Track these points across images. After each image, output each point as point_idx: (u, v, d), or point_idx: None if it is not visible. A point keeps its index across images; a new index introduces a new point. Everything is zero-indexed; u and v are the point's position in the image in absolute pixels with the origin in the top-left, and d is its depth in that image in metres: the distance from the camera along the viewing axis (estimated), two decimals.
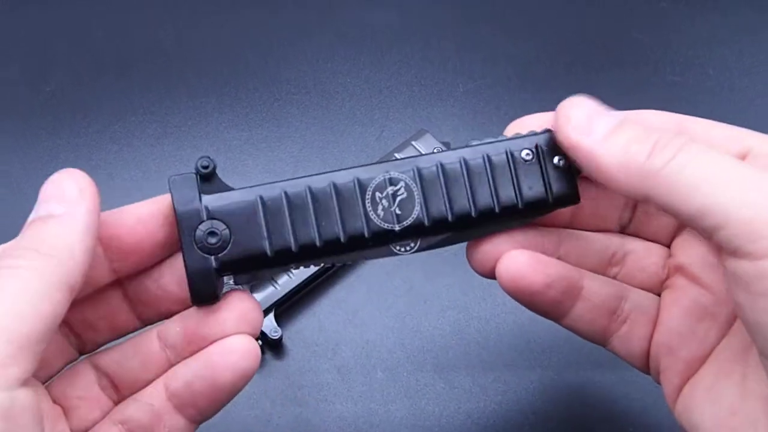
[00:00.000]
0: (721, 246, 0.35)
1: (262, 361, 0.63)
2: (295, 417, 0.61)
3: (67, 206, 0.37)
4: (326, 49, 0.80)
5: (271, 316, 0.62)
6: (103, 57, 0.79)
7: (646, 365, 0.46)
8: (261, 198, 0.40)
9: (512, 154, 0.42)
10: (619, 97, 0.76)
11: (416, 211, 0.41)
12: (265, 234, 0.40)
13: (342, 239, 0.41)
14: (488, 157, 0.42)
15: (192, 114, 0.75)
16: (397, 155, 0.69)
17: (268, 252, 0.40)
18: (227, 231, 0.39)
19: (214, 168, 0.41)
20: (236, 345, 0.41)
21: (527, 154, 0.42)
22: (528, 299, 0.43)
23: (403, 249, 0.42)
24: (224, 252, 0.39)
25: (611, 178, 0.38)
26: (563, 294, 0.43)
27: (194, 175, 0.40)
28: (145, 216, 0.41)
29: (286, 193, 0.41)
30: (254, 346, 0.41)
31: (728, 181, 0.35)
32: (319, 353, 0.64)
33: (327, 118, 0.75)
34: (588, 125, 0.39)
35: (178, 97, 0.77)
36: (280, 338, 0.62)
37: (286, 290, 0.63)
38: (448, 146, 0.69)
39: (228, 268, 0.40)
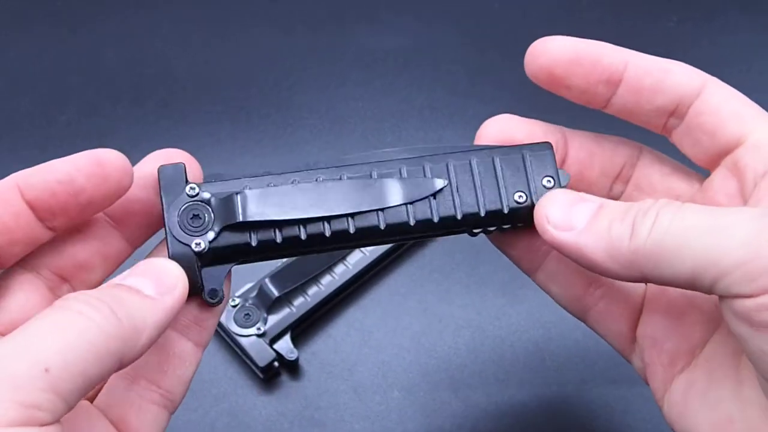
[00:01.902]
0: (721, 295, 0.35)
1: (279, 383, 0.64)
2: None
3: (158, 293, 0.36)
4: (338, 74, 0.81)
5: (288, 337, 0.63)
6: (117, 85, 0.80)
7: (627, 352, 0.46)
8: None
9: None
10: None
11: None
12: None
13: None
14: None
15: (206, 140, 0.76)
16: None
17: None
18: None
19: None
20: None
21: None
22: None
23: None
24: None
25: (604, 269, 0.38)
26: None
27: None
28: (65, 177, 0.38)
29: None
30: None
31: (708, 234, 0.35)
32: (336, 374, 0.64)
33: (339, 142, 0.76)
34: (567, 220, 0.39)
35: (192, 123, 0.77)
36: (297, 360, 0.63)
37: (302, 312, 0.64)
38: None
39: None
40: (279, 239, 0.40)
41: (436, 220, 0.41)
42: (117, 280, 0.37)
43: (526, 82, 0.80)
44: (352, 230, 0.41)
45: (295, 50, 0.82)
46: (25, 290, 0.40)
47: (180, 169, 0.40)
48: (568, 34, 0.83)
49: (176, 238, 0.39)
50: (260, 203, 0.40)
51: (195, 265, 0.39)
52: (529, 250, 0.45)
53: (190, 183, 0.40)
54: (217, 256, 0.40)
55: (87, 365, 0.33)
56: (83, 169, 0.38)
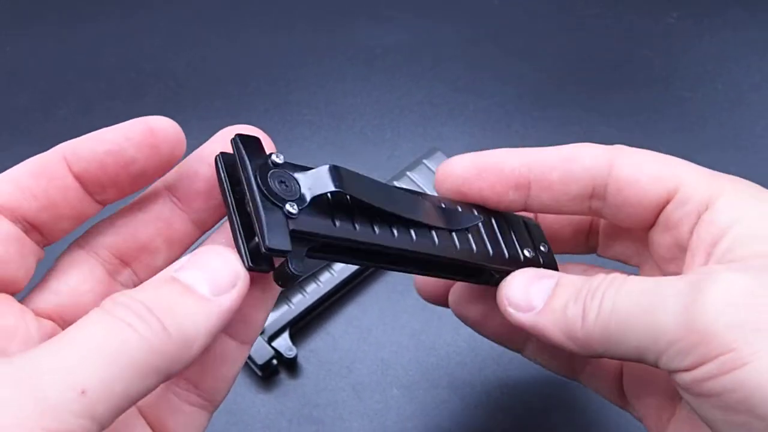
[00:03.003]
0: (665, 369, 0.36)
1: (278, 380, 0.63)
2: None
3: (214, 292, 0.33)
4: (336, 70, 0.80)
5: (286, 335, 0.63)
6: (115, 82, 0.79)
7: (623, 405, 0.48)
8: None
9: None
10: (629, 114, 0.78)
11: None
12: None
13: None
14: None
15: (203, 137, 0.75)
16: (408, 174, 0.69)
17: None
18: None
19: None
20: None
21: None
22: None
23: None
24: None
25: (565, 348, 0.39)
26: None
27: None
28: (115, 147, 0.37)
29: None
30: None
31: (645, 314, 0.36)
32: (334, 372, 0.64)
33: (338, 138, 0.76)
34: (526, 300, 0.40)
35: (190, 120, 0.77)
36: (295, 357, 0.62)
37: (300, 309, 0.63)
38: None
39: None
40: (357, 228, 0.38)
41: (474, 250, 0.42)
42: (171, 270, 0.33)
43: (526, 78, 0.80)
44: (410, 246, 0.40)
45: (294, 46, 0.82)
46: (80, 271, 0.38)
47: (257, 139, 0.38)
48: (567, 30, 0.83)
49: (267, 197, 0.35)
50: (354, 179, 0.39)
51: (286, 227, 0.35)
52: (512, 330, 0.45)
53: (274, 152, 0.38)
54: (300, 232, 0.36)
55: (129, 385, 0.30)
56: (134, 138, 0.36)
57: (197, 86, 0.79)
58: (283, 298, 0.63)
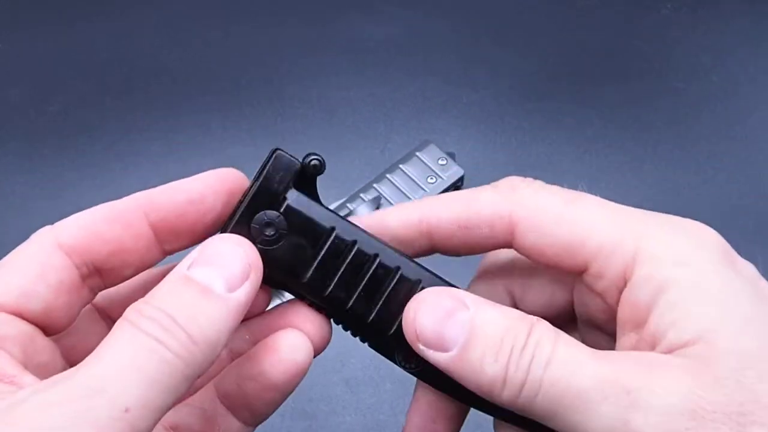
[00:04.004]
0: None
1: None
2: (304, 430, 0.61)
3: (229, 287, 0.33)
4: (329, 63, 0.80)
5: None
6: (107, 76, 0.79)
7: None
8: (334, 232, 0.37)
9: None
10: (622, 106, 0.77)
11: None
12: (309, 265, 0.37)
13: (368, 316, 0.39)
14: None
15: (196, 131, 0.75)
16: (401, 167, 0.69)
17: (304, 279, 0.37)
18: (285, 233, 0.37)
19: (320, 171, 0.37)
20: (285, 340, 0.38)
21: None
22: None
23: (407, 365, 0.39)
24: (266, 248, 0.36)
25: (482, 394, 0.35)
26: None
27: (298, 164, 0.37)
28: (196, 196, 0.37)
29: (354, 242, 0.38)
30: (304, 341, 0.38)
31: (576, 411, 0.32)
32: (328, 366, 0.63)
33: (331, 132, 0.75)
34: (439, 338, 0.35)
35: (182, 114, 0.77)
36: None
37: None
38: (452, 157, 0.69)
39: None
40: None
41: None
42: (184, 268, 0.33)
43: (519, 70, 0.80)
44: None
45: (286, 40, 0.82)
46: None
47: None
48: (560, 22, 0.83)
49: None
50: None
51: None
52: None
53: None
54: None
55: (165, 398, 0.31)
56: (212, 186, 0.37)
57: (190, 81, 0.79)
58: (276, 291, 0.63)
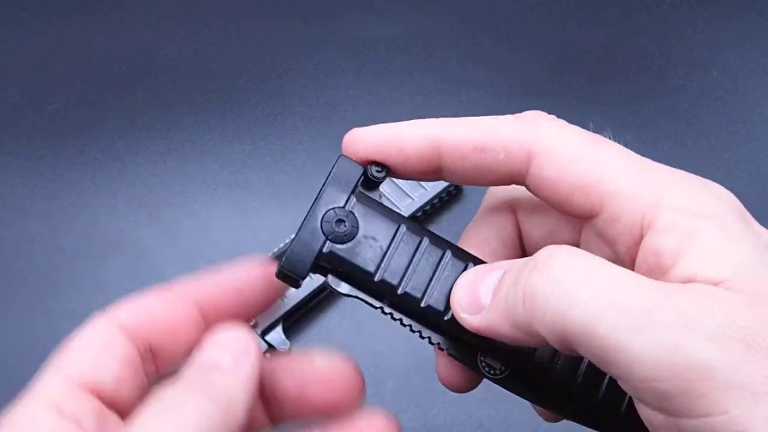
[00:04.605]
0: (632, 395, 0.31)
1: None
2: None
3: (234, 358, 0.35)
4: (329, 61, 0.80)
5: (280, 328, 0.62)
6: (105, 75, 0.79)
7: None
8: (401, 229, 0.38)
9: None
10: (622, 103, 0.77)
11: None
12: (382, 261, 0.37)
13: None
14: None
15: (195, 129, 0.75)
16: None
17: (375, 277, 0.37)
18: (355, 231, 0.37)
19: (382, 179, 0.39)
20: None
21: None
22: None
23: (490, 370, 0.38)
24: (338, 245, 0.37)
25: (519, 342, 0.34)
26: None
27: (362, 169, 0.38)
28: (243, 285, 0.39)
29: (421, 241, 0.38)
30: None
31: (632, 318, 0.30)
32: None
33: (330, 130, 0.75)
34: (475, 301, 0.35)
35: (181, 113, 0.76)
36: (289, 351, 0.62)
37: (294, 302, 0.63)
38: None
39: (330, 261, 0.37)
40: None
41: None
42: (196, 361, 0.35)
43: (519, 67, 0.80)
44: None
45: (285, 38, 0.81)
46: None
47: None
48: (560, 19, 0.83)
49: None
50: None
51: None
52: None
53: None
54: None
55: None
56: (257, 275, 0.39)
57: (188, 79, 0.79)
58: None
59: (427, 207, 0.68)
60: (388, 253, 0.37)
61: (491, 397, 0.61)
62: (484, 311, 0.34)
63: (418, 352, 0.63)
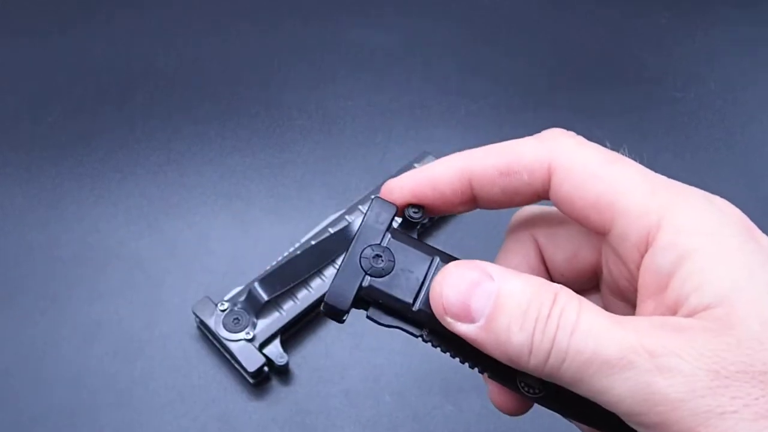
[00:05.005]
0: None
1: (269, 388, 0.63)
2: None
3: None
4: (327, 72, 0.80)
5: (277, 342, 0.62)
6: (104, 85, 0.79)
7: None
8: (434, 260, 0.39)
9: None
10: (621, 114, 0.77)
11: None
12: (418, 293, 0.39)
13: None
14: None
15: (194, 140, 0.75)
16: None
17: (413, 307, 0.38)
18: (392, 265, 0.39)
19: (420, 219, 0.41)
20: None
21: None
22: None
23: (529, 390, 0.39)
24: (377, 279, 0.39)
25: (510, 363, 0.36)
26: None
27: (395, 208, 0.40)
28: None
29: None
30: None
31: (602, 377, 0.33)
32: (326, 378, 0.63)
33: (329, 142, 0.75)
34: (465, 310, 0.36)
35: (180, 123, 0.77)
36: (287, 364, 0.62)
37: (292, 316, 0.63)
38: None
39: (370, 294, 0.39)
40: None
41: None
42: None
43: (518, 79, 0.80)
44: None
45: (284, 48, 0.82)
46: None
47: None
48: (558, 31, 0.83)
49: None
50: None
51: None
52: None
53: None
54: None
55: None
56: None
57: (187, 88, 0.79)
58: (274, 304, 0.63)
59: (426, 221, 0.68)
60: (425, 283, 0.39)
61: (488, 411, 0.61)
62: (475, 329, 0.35)
63: (415, 366, 0.64)
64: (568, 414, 0.40)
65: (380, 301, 0.39)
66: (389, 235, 0.40)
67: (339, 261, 0.65)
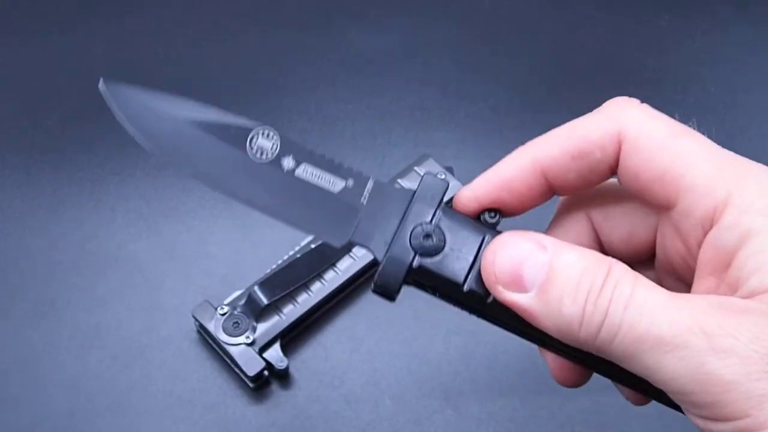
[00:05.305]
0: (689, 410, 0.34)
1: (269, 392, 0.63)
2: None
3: None
4: (327, 75, 0.80)
5: (277, 346, 0.62)
6: None
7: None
8: (486, 239, 0.39)
9: None
10: None
11: None
12: (470, 271, 0.38)
13: None
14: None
15: None
16: (399, 181, 0.68)
17: (463, 287, 0.38)
18: (442, 244, 0.39)
19: (497, 222, 0.40)
20: None
21: None
22: None
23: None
24: (427, 259, 0.39)
25: (560, 335, 0.36)
26: None
27: (446, 184, 0.40)
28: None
29: None
30: None
31: (656, 352, 0.33)
32: (326, 382, 0.63)
33: (329, 144, 0.75)
34: (517, 279, 0.36)
35: None
36: (287, 368, 0.62)
37: (292, 319, 0.63)
38: (451, 171, 0.69)
39: (420, 275, 0.39)
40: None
41: None
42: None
43: (518, 81, 0.80)
44: None
45: (283, 51, 0.81)
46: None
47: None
48: (558, 33, 0.83)
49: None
50: None
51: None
52: None
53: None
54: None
55: None
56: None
57: (186, 94, 0.78)
58: (274, 308, 0.63)
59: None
60: (475, 263, 0.38)
61: (488, 415, 0.61)
62: (526, 299, 0.35)
63: (415, 369, 0.64)
64: (619, 378, 0.40)
65: (430, 282, 0.38)
66: (440, 213, 0.39)
67: (339, 264, 0.65)
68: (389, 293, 0.39)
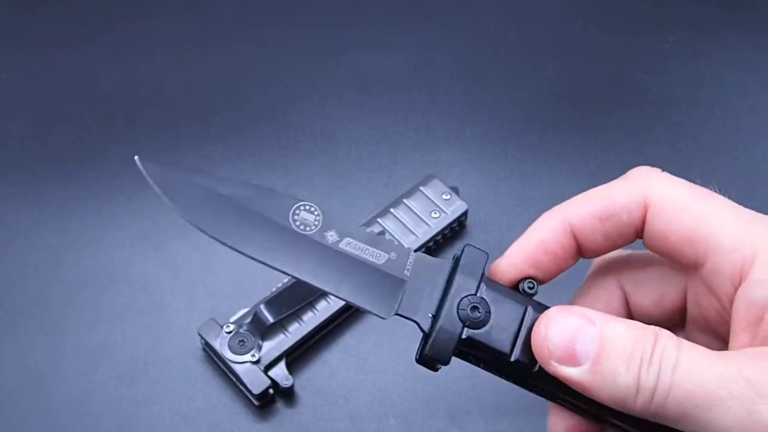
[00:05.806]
0: None
1: (274, 410, 0.63)
2: None
3: None
4: (333, 95, 0.80)
5: (282, 364, 0.62)
6: (110, 107, 0.79)
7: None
8: (528, 310, 0.40)
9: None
10: (625, 139, 0.77)
11: None
12: (515, 342, 0.40)
13: None
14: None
15: (200, 163, 0.75)
16: (405, 201, 0.69)
17: (510, 358, 0.40)
18: (488, 316, 0.40)
19: (535, 293, 0.41)
20: None
21: None
22: None
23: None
24: (474, 331, 0.40)
25: (616, 405, 0.37)
26: None
27: (486, 255, 0.41)
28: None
29: None
30: None
31: (704, 408, 0.35)
32: (331, 401, 0.63)
33: (334, 164, 0.75)
34: (570, 353, 0.37)
35: (186, 146, 0.77)
36: (292, 386, 0.62)
37: (297, 338, 0.63)
38: (456, 191, 0.69)
39: (467, 346, 0.40)
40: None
41: None
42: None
43: (523, 102, 0.80)
44: None
45: (290, 71, 0.82)
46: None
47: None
48: (563, 55, 0.83)
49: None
50: None
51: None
52: None
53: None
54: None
55: None
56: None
57: (193, 112, 0.79)
58: (280, 327, 0.63)
59: (431, 243, 0.68)
60: (519, 334, 0.39)
61: None
62: (580, 372, 0.36)
63: (420, 389, 0.64)
64: None
65: (478, 353, 0.40)
66: (483, 285, 0.40)
67: None
68: (437, 364, 0.40)
